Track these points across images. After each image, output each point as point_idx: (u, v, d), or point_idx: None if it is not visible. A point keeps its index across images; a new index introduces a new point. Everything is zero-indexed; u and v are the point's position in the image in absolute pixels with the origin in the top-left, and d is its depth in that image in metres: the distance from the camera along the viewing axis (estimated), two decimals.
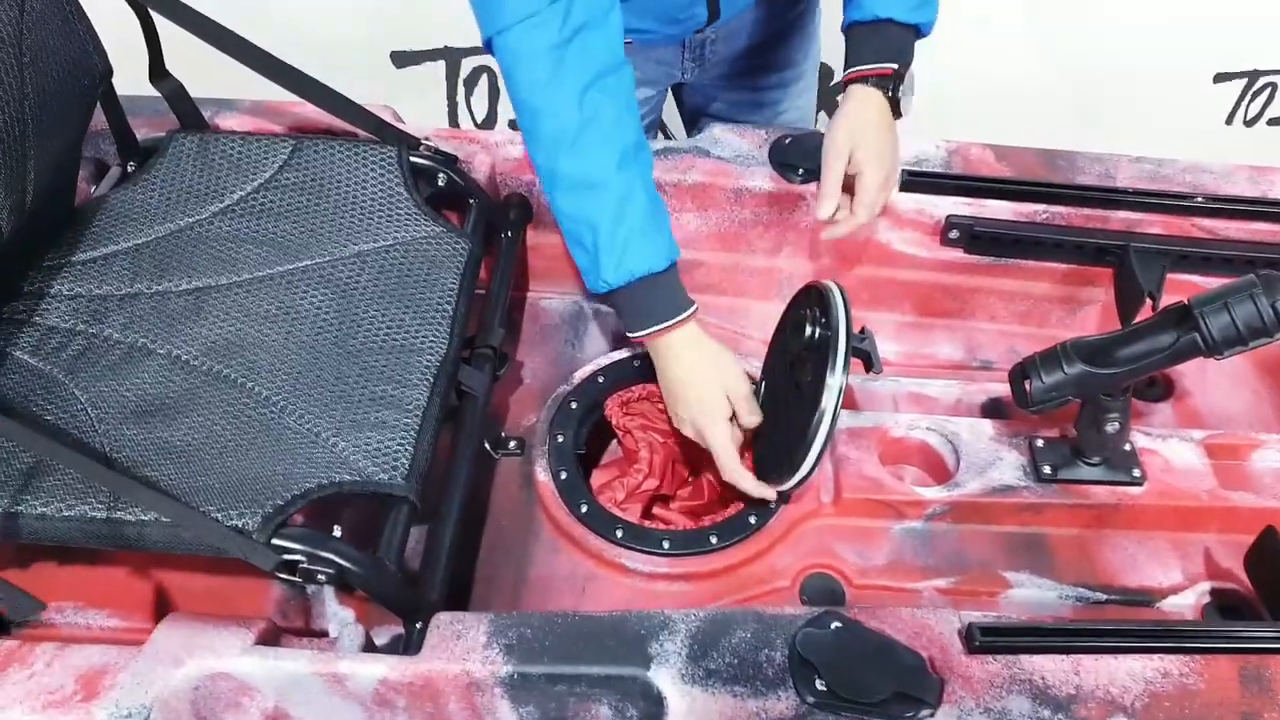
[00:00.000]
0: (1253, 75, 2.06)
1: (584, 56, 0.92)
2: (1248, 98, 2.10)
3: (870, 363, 0.95)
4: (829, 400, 0.92)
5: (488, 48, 0.96)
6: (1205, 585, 1.06)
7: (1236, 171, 1.25)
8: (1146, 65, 2.00)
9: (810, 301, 1.00)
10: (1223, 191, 1.23)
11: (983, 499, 1.07)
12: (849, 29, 1.13)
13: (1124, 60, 1.99)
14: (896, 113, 1.12)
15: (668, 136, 1.99)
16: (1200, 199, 1.21)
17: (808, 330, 0.97)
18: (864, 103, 1.11)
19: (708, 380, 1.04)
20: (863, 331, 0.95)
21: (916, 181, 1.23)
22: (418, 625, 0.89)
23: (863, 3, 1.10)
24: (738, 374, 1.07)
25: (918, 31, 1.11)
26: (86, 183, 1.24)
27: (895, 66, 1.10)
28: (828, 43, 1.86)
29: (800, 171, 1.23)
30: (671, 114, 1.62)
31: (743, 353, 1.26)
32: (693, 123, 1.52)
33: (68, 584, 1.01)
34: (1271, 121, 2.14)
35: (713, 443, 1.03)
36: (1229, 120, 2.14)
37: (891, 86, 1.10)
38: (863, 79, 1.11)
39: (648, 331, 1.03)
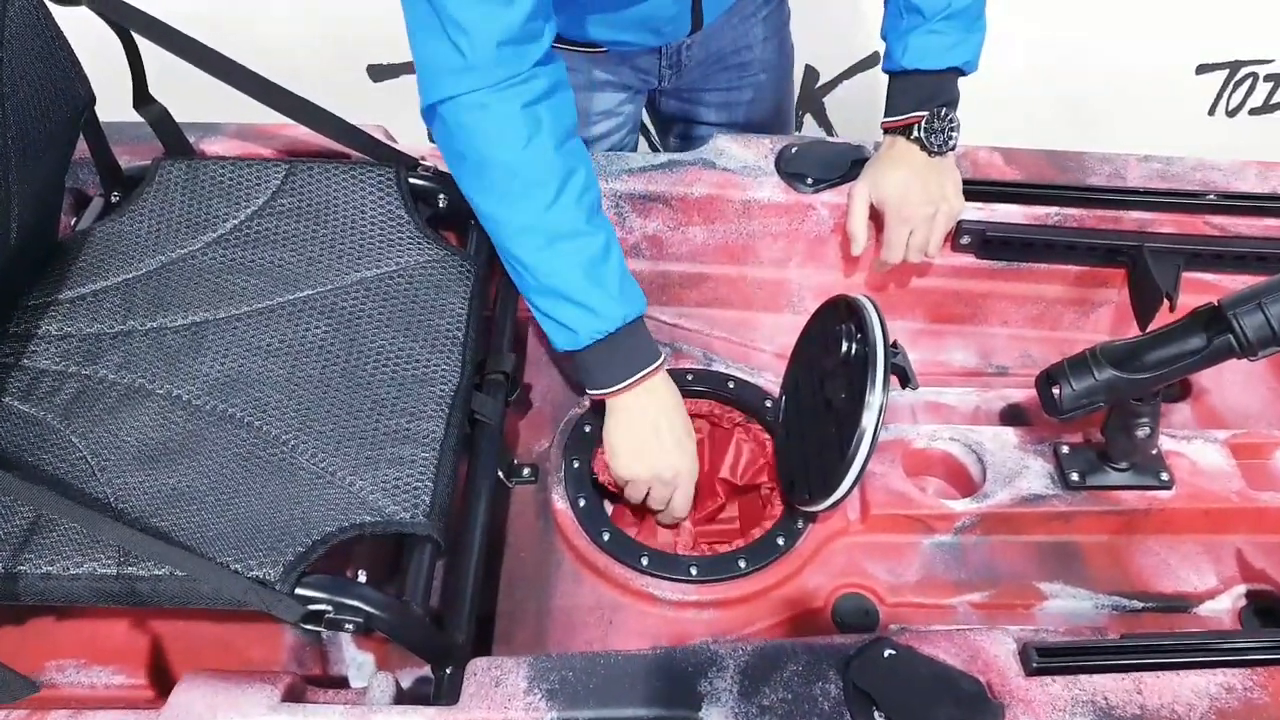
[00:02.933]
0: (1234, 66, 2.07)
1: (557, 115, 0.92)
2: (1229, 88, 2.11)
3: (906, 378, 0.92)
4: (869, 419, 0.89)
5: (432, 111, 0.93)
6: (1240, 588, 1.05)
7: (1245, 168, 1.25)
8: (1129, 58, 2.00)
9: (841, 316, 0.97)
10: (1232, 188, 1.23)
11: (1012, 509, 1.05)
12: (888, 75, 1.15)
13: (1107, 53, 1.99)
14: (933, 151, 1.12)
15: (652, 146, 1.96)
16: (1211, 196, 1.20)
17: (843, 346, 0.94)
18: (888, 150, 1.14)
19: (686, 449, 1.03)
20: (895, 345, 0.92)
21: None
22: (448, 670, 0.85)
23: (892, 53, 1.12)
24: (691, 435, 1.05)
25: (958, 72, 1.11)
26: (66, 214, 1.19)
27: (924, 115, 1.10)
28: (808, 44, 1.84)
29: (810, 181, 1.21)
30: None
31: (753, 366, 1.24)
32: (666, 128, 1.50)
33: (67, 639, 0.96)
34: (1253, 111, 2.15)
35: (676, 501, 1.05)
36: (1211, 111, 2.15)
37: (920, 130, 1.11)
38: (892, 129, 1.14)
39: (629, 380, 0.99)
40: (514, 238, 0.95)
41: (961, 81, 1.14)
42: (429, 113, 0.94)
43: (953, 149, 1.13)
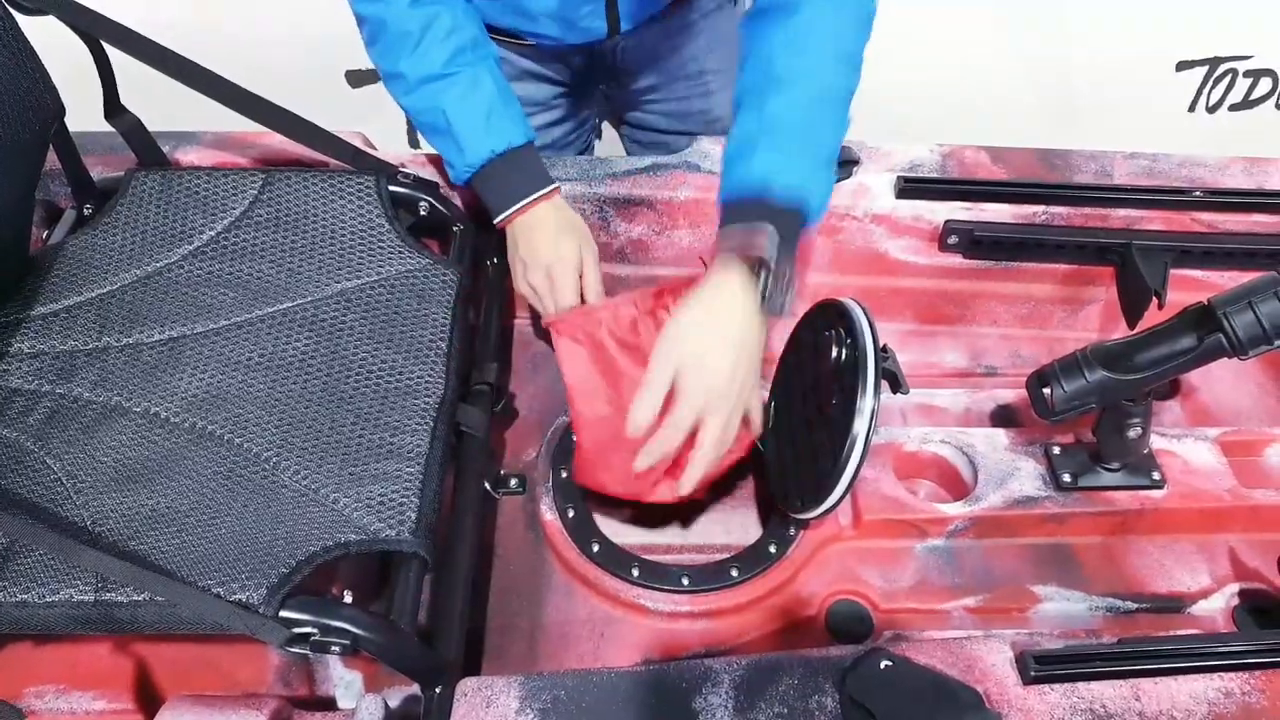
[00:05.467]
0: (1214, 62, 2.07)
1: None
2: (1209, 85, 2.11)
3: (897, 383, 0.91)
4: (861, 425, 0.88)
5: None
6: (1234, 587, 1.05)
7: (1231, 164, 1.24)
8: (1110, 55, 2.00)
9: (829, 319, 0.96)
10: (1219, 184, 1.22)
11: (1005, 512, 1.04)
12: (721, 205, 0.91)
13: (1087, 51, 1.99)
14: (771, 310, 0.88)
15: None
16: (1199, 193, 1.20)
17: (833, 351, 0.93)
18: (716, 290, 0.88)
19: (567, 241, 1.07)
20: (885, 349, 0.91)
21: (913, 188, 1.20)
22: (437, 690, 0.83)
23: (732, 173, 0.90)
24: (590, 240, 1.10)
25: (801, 216, 0.87)
26: (38, 228, 1.16)
27: (768, 242, 0.85)
28: None
29: None
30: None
31: None
32: (629, 136, 1.47)
33: (46, 664, 0.94)
34: (1233, 107, 2.16)
35: (560, 291, 1.07)
36: (1191, 108, 2.15)
37: (767, 278, 0.86)
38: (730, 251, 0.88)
39: (513, 209, 1.06)
40: (390, 82, 1.06)
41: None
42: None
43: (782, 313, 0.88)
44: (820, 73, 0.91)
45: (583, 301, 1.08)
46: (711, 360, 0.86)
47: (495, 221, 1.08)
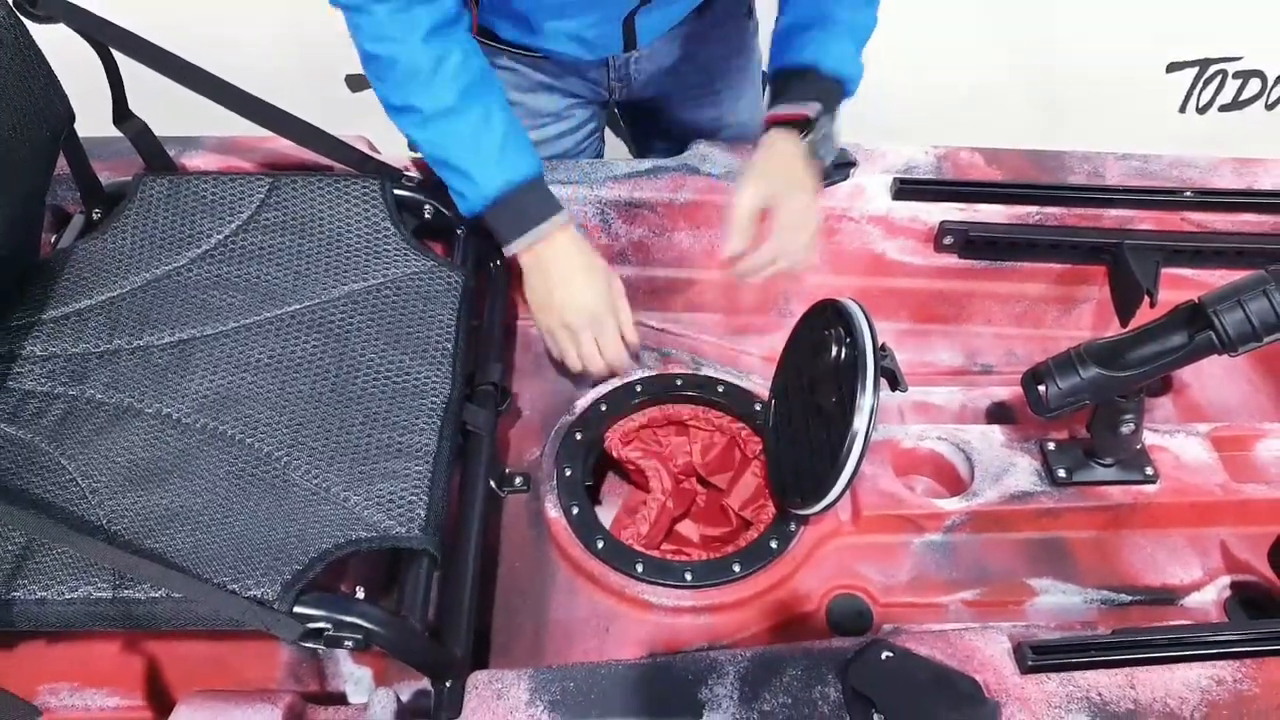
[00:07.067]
0: (1204, 64, 2.10)
1: (429, 9, 0.99)
2: (1199, 86, 2.14)
3: (896, 381, 0.93)
4: (861, 423, 0.89)
5: (334, 4, 1.01)
6: (1225, 579, 1.07)
7: (1221, 164, 1.26)
8: (1101, 57, 2.02)
9: (829, 320, 0.98)
10: (1209, 185, 1.24)
11: (1001, 507, 1.06)
12: (774, 75, 1.13)
13: (1079, 53, 2.01)
14: (820, 158, 1.10)
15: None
16: (1189, 193, 1.22)
17: (832, 350, 0.94)
18: (779, 148, 1.10)
19: (598, 288, 1.09)
20: (884, 348, 0.93)
21: (908, 189, 1.22)
22: (447, 684, 0.85)
23: (787, 50, 1.10)
24: (614, 276, 1.12)
25: (843, 88, 1.10)
26: (46, 233, 1.18)
27: (818, 107, 1.08)
28: None
29: None
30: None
31: (742, 369, 1.24)
32: (635, 140, 1.50)
33: (60, 662, 0.96)
34: (1223, 108, 2.18)
35: (603, 344, 1.11)
36: (1182, 109, 2.17)
37: (808, 131, 1.08)
38: (779, 123, 1.10)
39: (528, 238, 1.06)
40: (400, 116, 1.05)
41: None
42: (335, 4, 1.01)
43: (830, 162, 1.11)
44: None
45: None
46: (790, 197, 1.09)
47: (508, 252, 1.08)
